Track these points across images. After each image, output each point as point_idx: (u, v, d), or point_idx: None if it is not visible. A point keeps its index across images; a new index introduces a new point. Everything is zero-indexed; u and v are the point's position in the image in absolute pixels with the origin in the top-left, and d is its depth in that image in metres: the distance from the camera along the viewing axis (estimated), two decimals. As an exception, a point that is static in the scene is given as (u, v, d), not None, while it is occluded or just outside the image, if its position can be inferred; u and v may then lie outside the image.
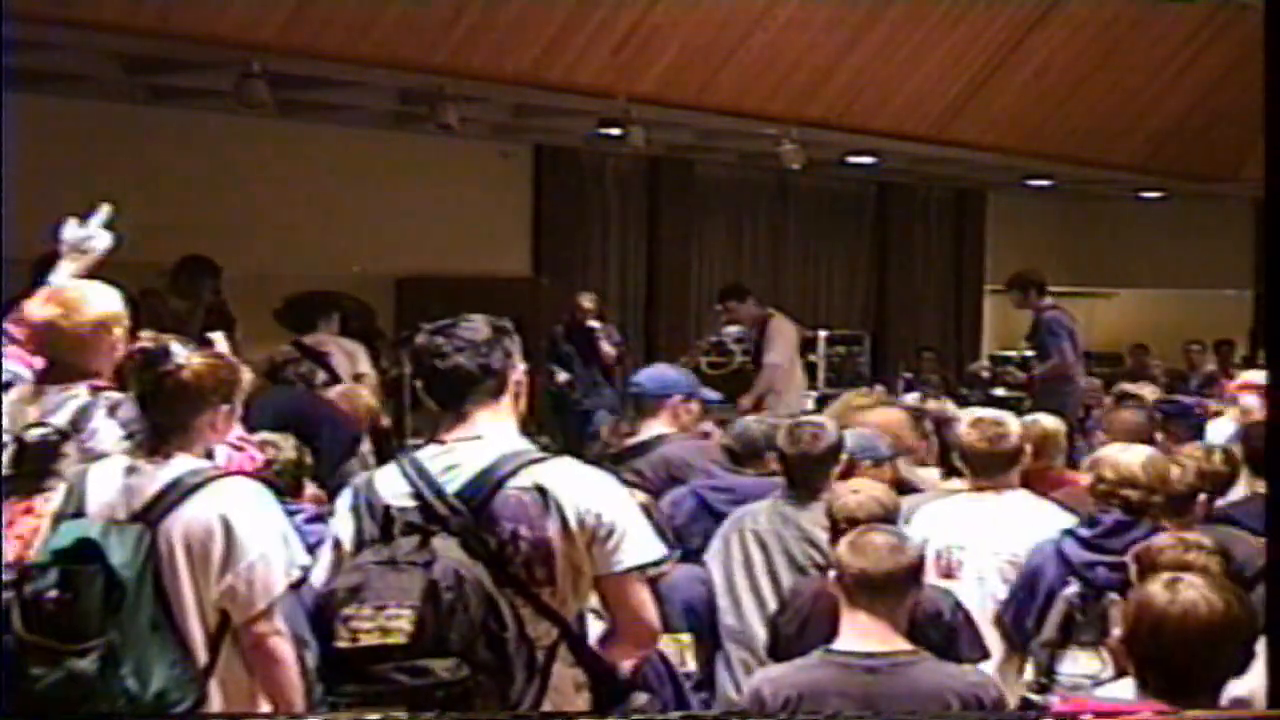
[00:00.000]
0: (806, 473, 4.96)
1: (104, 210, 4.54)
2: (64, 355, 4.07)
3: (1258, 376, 8.09)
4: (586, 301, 10.64)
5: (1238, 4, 10.89)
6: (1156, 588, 3.02)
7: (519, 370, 3.40)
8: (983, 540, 4.85)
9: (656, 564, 3.34)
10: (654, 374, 6.27)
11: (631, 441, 5.98)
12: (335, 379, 8.14)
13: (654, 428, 5.86)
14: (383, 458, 8.05)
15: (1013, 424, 5.04)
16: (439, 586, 3.06)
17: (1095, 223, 16.83)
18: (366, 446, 8.22)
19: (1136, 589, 3.10)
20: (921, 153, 12.20)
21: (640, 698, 3.41)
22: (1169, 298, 16.88)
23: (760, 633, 4.73)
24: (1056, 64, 11.21)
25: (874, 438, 5.56)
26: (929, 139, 11.55)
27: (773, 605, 4.73)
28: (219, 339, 4.54)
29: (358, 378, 8.26)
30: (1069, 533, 4.61)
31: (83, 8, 7.11)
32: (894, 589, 3.81)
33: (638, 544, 3.28)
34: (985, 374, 11.46)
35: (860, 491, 4.47)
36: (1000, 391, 11.38)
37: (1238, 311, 14.90)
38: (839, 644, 3.81)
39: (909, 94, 10.90)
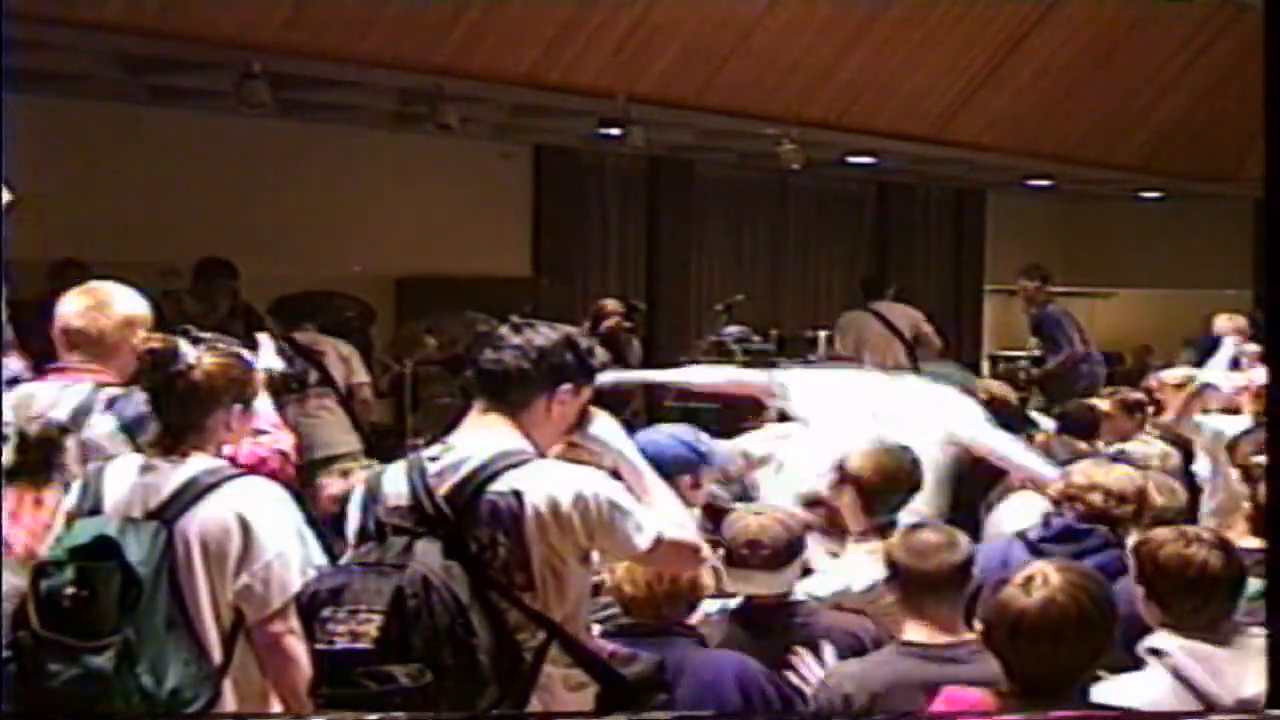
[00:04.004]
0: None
1: None
2: (86, 349, 4.07)
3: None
4: (611, 304, 10.51)
5: (1238, 4, 10.89)
6: (1014, 589, 3.03)
7: (566, 390, 3.36)
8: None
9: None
10: None
11: None
12: (329, 380, 8.13)
13: None
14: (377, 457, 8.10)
15: (914, 456, 4.73)
16: (404, 593, 3.05)
17: (1095, 223, 16.82)
18: (358, 443, 8.25)
19: (995, 591, 3.08)
20: (921, 153, 12.19)
21: (659, 697, 3.38)
22: (1169, 298, 16.86)
23: None
24: (1056, 64, 11.21)
25: None
26: (929, 139, 11.55)
27: None
28: (264, 339, 4.67)
29: (351, 388, 8.22)
30: (1019, 534, 4.54)
31: (83, 8, 7.11)
32: (954, 583, 3.82)
33: (644, 525, 3.26)
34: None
35: (763, 514, 4.26)
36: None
37: (1237, 311, 14.87)
38: (909, 638, 3.82)
39: (909, 94, 10.89)
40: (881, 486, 4.66)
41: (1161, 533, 3.79)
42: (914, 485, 4.72)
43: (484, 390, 3.36)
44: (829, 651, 3.96)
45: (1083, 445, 6.99)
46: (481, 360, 3.36)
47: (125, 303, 4.14)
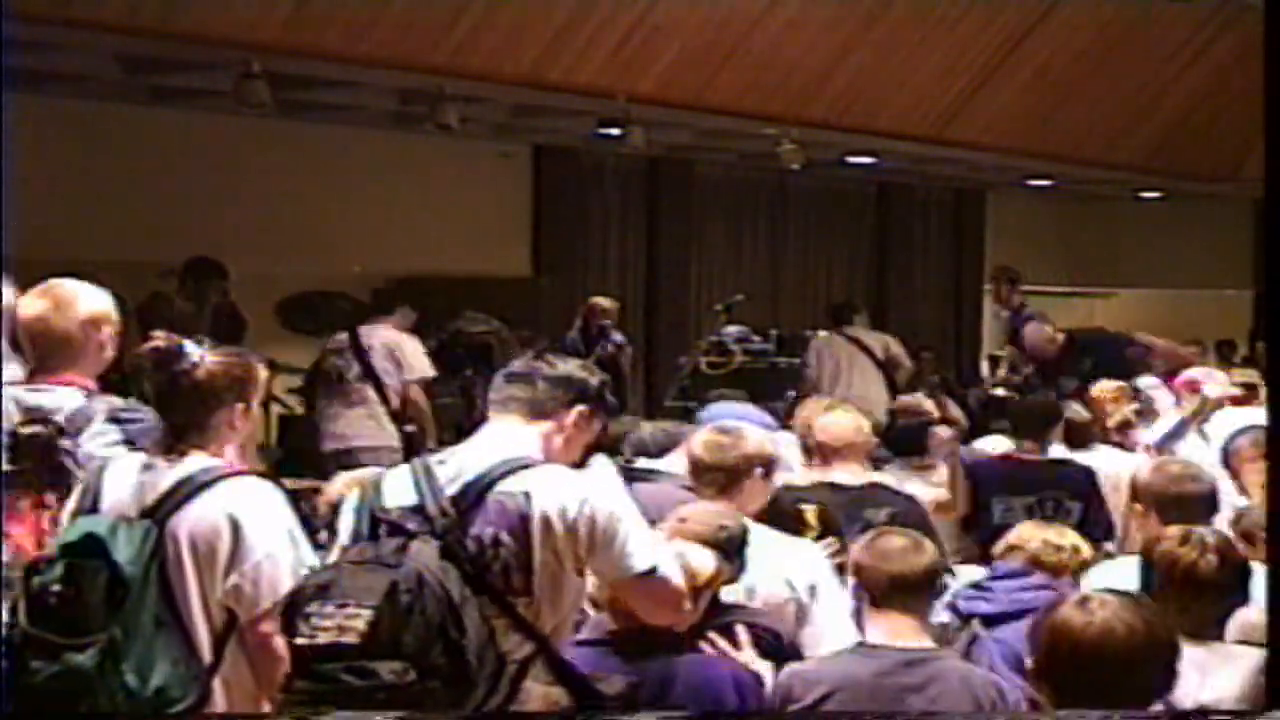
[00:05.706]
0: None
1: None
2: (51, 351, 3.96)
3: (1199, 373, 8.17)
4: (604, 302, 10.52)
5: (1238, 4, 10.90)
6: (1070, 610, 2.95)
7: (582, 412, 3.39)
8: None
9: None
10: None
11: None
12: (371, 374, 8.20)
13: None
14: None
15: (751, 436, 4.56)
16: (399, 588, 3.02)
17: (1095, 223, 16.83)
18: (395, 439, 8.32)
19: (1052, 613, 2.99)
20: (921, 153, 12.20)
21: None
22: (1169, 298, 16.88)
23: None
24: (1056, 64, 11.21)
25: None
26: (929, 139, 11.55)
27: None
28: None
29: (402, 385, 8.27)
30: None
31: (83, 8, 7.11)
32: (922, 586, 3.82)
33: (645, 548, 3.25)
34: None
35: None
36: (1000, 391, 11.37)
37: (1238, 311, 14.90)
38: (871, 639, 3.80)
39: (909, 94, 10.90)
40: None
41: (1171, 531, 3.81)
42: None
43: (503, 398, 3.41)
44: (744, 634, 3.80)
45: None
46: (506, 370, 3.46)
47: (87, 301, 4.02)
